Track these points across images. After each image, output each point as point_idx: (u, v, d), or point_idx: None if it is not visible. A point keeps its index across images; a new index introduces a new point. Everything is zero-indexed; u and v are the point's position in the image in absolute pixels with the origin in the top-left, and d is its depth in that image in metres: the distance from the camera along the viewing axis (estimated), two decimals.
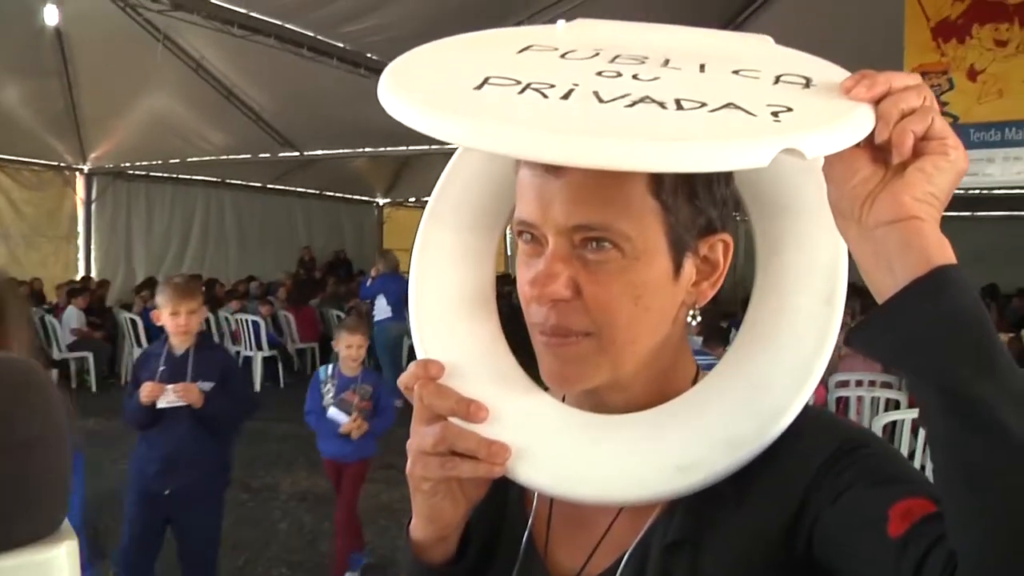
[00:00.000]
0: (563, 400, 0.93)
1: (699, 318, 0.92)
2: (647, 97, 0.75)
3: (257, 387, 10.81)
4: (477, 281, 0.98)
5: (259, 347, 11.06)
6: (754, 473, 0.82)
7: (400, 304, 9.94)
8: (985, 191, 9.10)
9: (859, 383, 5.73)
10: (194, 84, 10.31)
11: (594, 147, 0.67)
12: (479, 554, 0.95)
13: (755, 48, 0.90)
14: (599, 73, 0.81)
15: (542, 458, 0.84)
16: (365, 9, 7.60)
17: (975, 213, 13.35)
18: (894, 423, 5.08)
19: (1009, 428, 0.62)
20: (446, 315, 0.95)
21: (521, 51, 0.88)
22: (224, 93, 10.64)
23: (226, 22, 7.66)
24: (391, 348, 10.09)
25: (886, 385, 5.83)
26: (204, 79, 10.24)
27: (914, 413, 5.07)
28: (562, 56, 0.86)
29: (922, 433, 5.00)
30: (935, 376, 0.66)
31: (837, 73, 0.80)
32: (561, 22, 0.95)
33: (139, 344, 11.01)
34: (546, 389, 0.92)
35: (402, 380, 0.89)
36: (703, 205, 0.85)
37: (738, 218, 0.94)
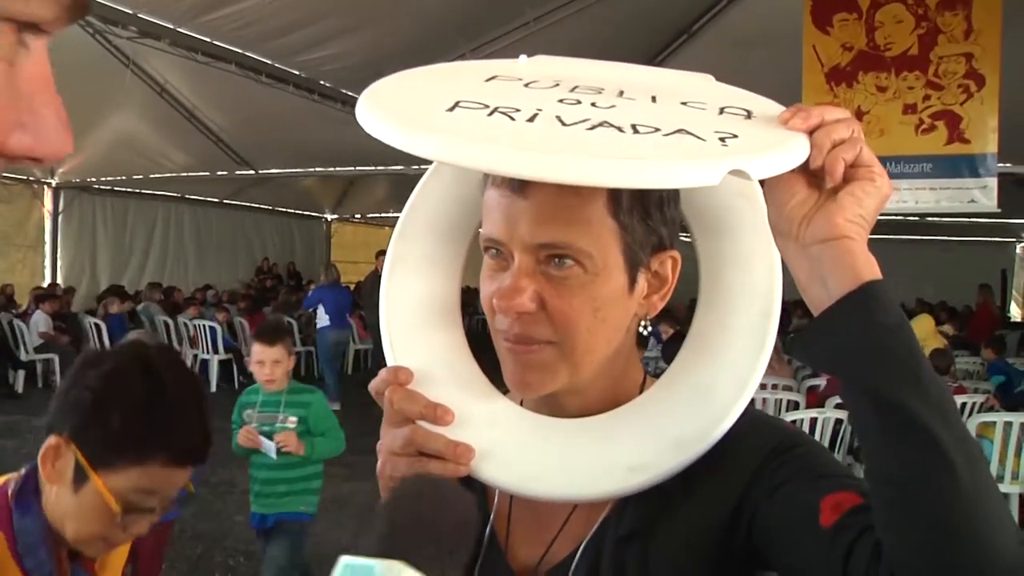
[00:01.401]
0: (522, 404, 0.92)
1: (650, 328, 0.91)
2: (605, 122, 0.75)
3: (213, 388, 10.63)
4: (444, 292, 0.96)
5: (215, 351, 10.88)
6: (699, 471, 0.82)
7: (337, 313, 10.00)
8: None
9: (763, 386, 5.80)
10: (158, 106, 10.17)
11: (563, 164, 0.67)
12: None
13: (698, 84, 0.91)
14: (560, 101, 0.80)
15: (503, 459, 0.84)
16: (319, 40, 7.58)
17: None
18: (794, 421, 5.16)
19: (933, 433, 0.64)
20: (415, 324, 0.93)
21: (487, 80, 0.87)
22: (186, 115, 10.50)
23: (190, 49, 7.56)
24: (330, 354, 10.15)
25: (787, 388, 5.94)
26: (168, 102, 10.10)
27: (812, 413, 5.20)
28: (525, 85, 0.86)
29: (818, 428, 5.13)
30: (866, 384, 0.68)
31: (773, 107, 0.82)
32: (523, 57, 0.94)
33: (102, 347, 10.73)
34: (506, 393, 0.91)
35: (373, 385, 0.88)
36: (655, 224, 0.84)
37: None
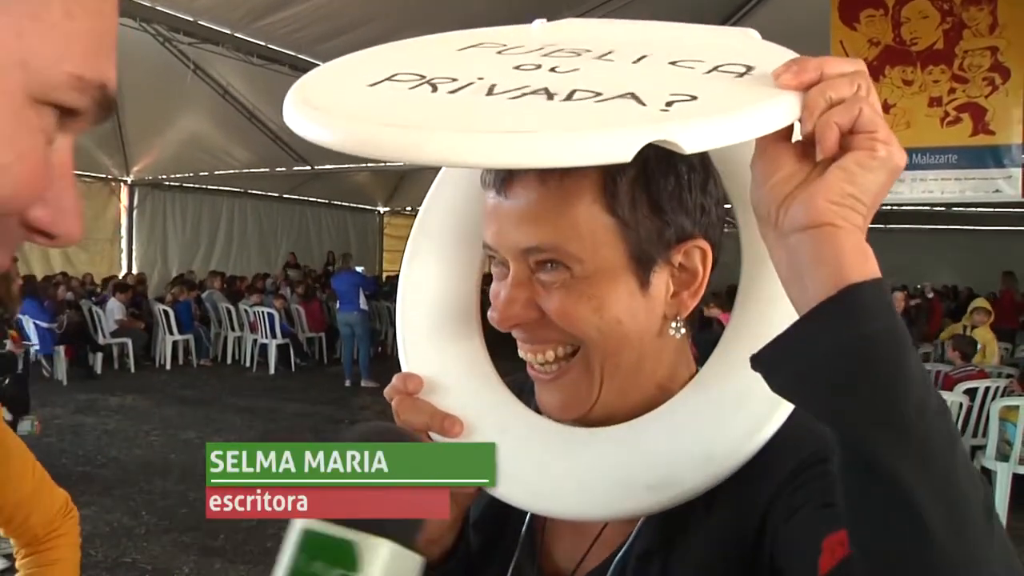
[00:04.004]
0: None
1: (683, 330, 0.75)
2: (542, 89, 0.60)
3: (272, 370, 10.77)
4: (462, 293, 0.84)
5: (274, 335, 10.97)
6: (725, 483, 0.69)
7: (344, 296, 10.18)
8: (897, 206, 9.16)
9: None
10: (221, 108, 10.40)
11: (423, 142, 0.55)
12: (480, 551, 0.82)
13: (728, 40, 0.71)
14: (518, 67, 0.66)
15: (514, 474, 0.71)
16: (366, 42, 7.40)
17: (888, 226, 13.40)
18: None
19: (906, 490, 0.49)
20: (430, 329, 0.83)
21: (462, 49, 0.73)
22: (247, 115, 10.67)
23: (247, 53, 7.64)
24: (342, 333, 10.44)
25: None
26: (230, 103, 10.31)
27: None
28: (498, 52, 0.71)
29: None
30: (833, 422, 0.52)
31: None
32: (539, 22, 0.79)
33: (171, 332, 10.94)
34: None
35: (386, 392, 0.78)
36: (671, 217, 0.69)
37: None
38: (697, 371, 0.77)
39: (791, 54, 0.61)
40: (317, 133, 0.60)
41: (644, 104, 0.56)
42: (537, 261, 0.69)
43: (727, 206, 0.77)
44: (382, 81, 0.65)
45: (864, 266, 0.52)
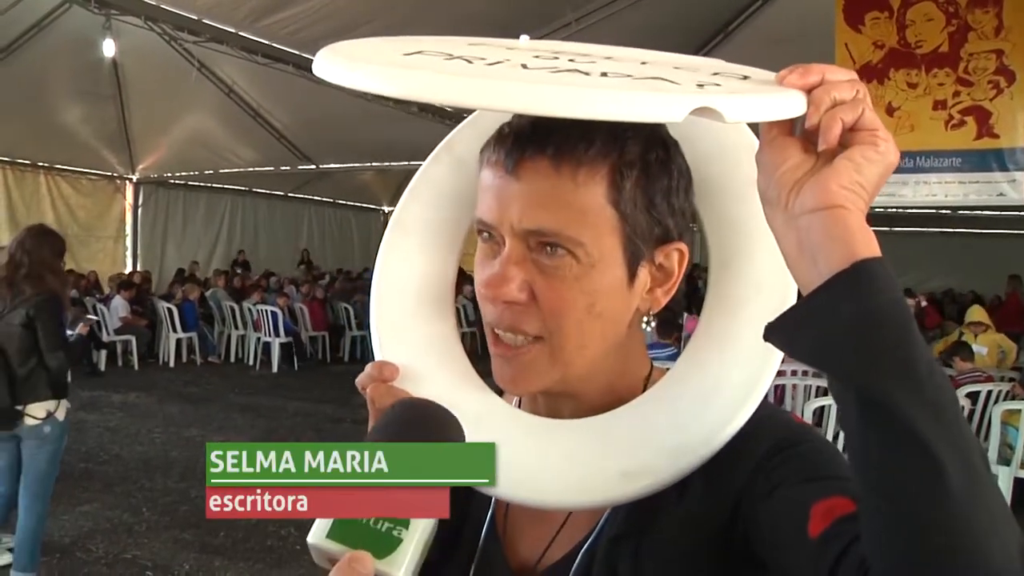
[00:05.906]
0: (519, 403, 0.84)
1: (653, 323, 0.80)
2: (574, 70, 0.65)
3: (275, 369, 10.79)
4: (437, 284, 0.87)
5: (277, 334, 10.98)
6: (696, 471, 0.73)
7: None
8: (900, 209, 9.14)
9: (794, 372, 5.65)
10: (226, 106, 10.45)
11: (493, 89, 0.58)
12: (440, 544, 0.85)
13: (706, 61, 0.79)
14: (536, 56, 0.70)
15: None
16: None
17: (892, 228, 13.49)
18: (823, 408, 5.02)
19: (922, 434, 0.53)
20: (404, 317, 0.84)
21: (471, 44, 0.77)
22: (252, 114, 10.72)
23: (251, 52, 7.66)
24: None
25: (817, 374, 5.75)
26: (235, 102, 10.36)
27: None
28: (508, 48, 0.76)
29: None
30: (851, 381, 0.56)
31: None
32: (524, 37, 0.84)
33: (175, 330, 10.96)
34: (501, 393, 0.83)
35: (358, 381, 0.79)
36: (660, 215, 0.74)
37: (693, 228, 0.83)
38: (652, 366, 0.84)
39: (772, 74, 0.67)
40: (376, 83, 0.61)
41: (676, 83, 0.61)
42: (539, 243, 0.72)
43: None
44: (414, 53, 0.67)
45: (871, 244, 0.58)
